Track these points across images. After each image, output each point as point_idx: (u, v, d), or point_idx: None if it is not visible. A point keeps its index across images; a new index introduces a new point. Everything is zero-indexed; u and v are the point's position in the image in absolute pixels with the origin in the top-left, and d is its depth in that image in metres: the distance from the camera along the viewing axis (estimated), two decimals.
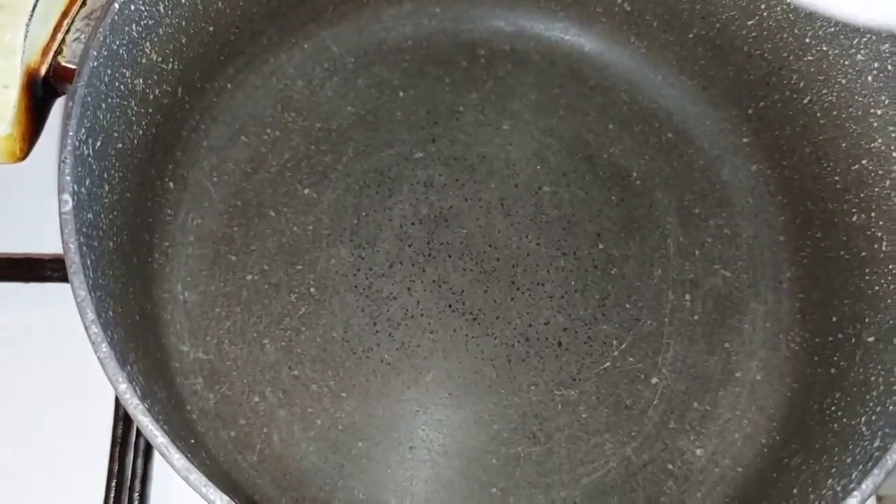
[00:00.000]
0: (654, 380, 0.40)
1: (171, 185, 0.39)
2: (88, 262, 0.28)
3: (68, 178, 0.27)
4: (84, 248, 0.27)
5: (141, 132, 0.34)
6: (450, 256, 0.42)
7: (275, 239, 0.41)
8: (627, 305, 0.41)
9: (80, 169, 0.28)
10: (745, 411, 0.39)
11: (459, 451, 0.38)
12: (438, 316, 0.40)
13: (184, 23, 0.35)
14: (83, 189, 0.29)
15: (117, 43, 0.31)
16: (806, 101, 0.39)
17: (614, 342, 0.40)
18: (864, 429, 0.30)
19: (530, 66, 0.47)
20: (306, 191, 0.43)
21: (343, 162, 0.43)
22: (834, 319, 0.37)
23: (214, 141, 0.42)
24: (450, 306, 0.41)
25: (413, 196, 0.43)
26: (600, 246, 0.42)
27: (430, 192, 0.43)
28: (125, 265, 0.33)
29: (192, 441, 0.32)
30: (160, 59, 0.34)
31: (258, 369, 0.39)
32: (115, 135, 0.32)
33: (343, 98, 0.45)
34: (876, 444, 0.28)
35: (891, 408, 0.29)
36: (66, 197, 0.27)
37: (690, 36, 0.43)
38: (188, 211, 0.41)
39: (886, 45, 0.33)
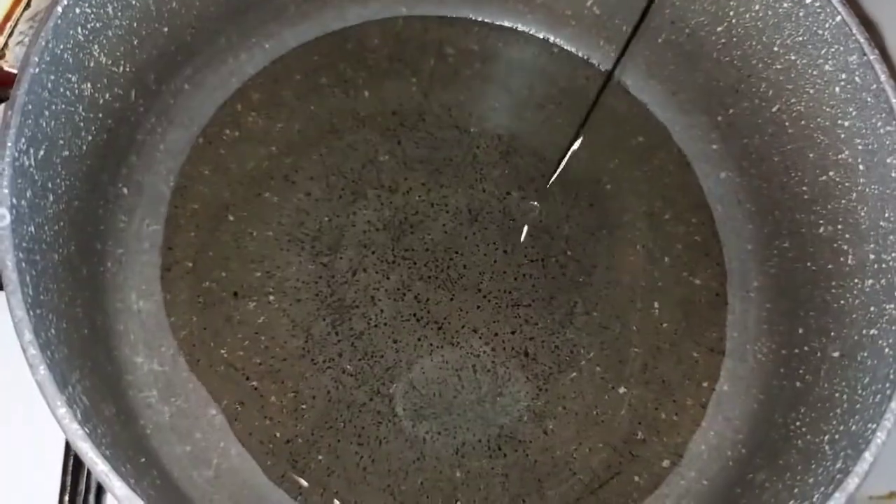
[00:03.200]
0: (621, 389, 0.39)
1: (125, 190, 0.38)
2: (28, 278, 0.26)
3: (6, 191, 0.26)
4: (23, 265, 0.26)
5: (90, 138, 0.33)
6: (415, 264, 0.41)
7: (233, 244, 0.40)
8: (595, 313, 0.41)
9: (20, 181, 0.27)
10: (712, 422, 0.39)
11: (422, 465, 0.37)
12: (402, 325, 0.39)
13: (135, 24, 0.34)
14: (23, 202, 0.27)
15: (61, 47, 0.29)
16: (774, 109, 0.38)
17: (581, 351, 0.40)
18: (826, 448, 0.29)
19: (499, 66, 0.46)
20: (267, 194, 0.41)
21: (305, 164, 0.42)
22: (800, 331, 0.36)
23: (171, 144, 0.41)
24: (414, 315, 0.40)
25: (377, 201, 0.42)
26: (569, 252, 0.42)
27: (394, 197, 0.42)
28: (73, 277, 0.32)
29: (143, 460, 0.31)
30: (110, 61, 0.33)
31: (215, 380, 0.37)
32: (61, 142, 0.30)
33: (306, 98, 0.43)
34: (838, 465, 0.28)
35: (853, 427, 0.29)
36: (3, 211, 0.25)
37: (660, 41, 0.42)
38: (143, 217, 0.39)
39: (854, 57, 0.33)
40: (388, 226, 0.41)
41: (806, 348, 0.35)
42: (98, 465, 0.23)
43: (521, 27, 0.46)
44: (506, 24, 0.46)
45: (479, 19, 0.46)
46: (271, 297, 0.39)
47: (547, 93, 0.45)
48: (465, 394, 0.39)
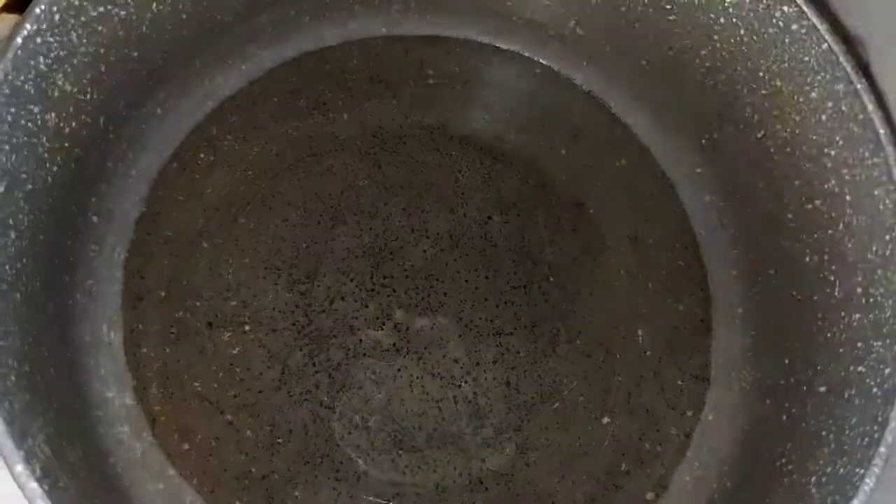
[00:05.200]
0: (605, 420, 0.39)
1: (96, 219, 0.37)
2: None
3: None
4: None
5: (56, 168, 0.32)
6: (394, 291, 0.40)
7: (207, 273, 0.39)
8: (578, 341, 0.40)
9: None
10: (696, 453, 0.38)
11: (402, 500, 0.36)
12: (381, 355, 0.39)
13: (102, 50, 0.33)
14: None
15: (22, 78, 0.28)
16: (759, 135, 0.38)
17: (565, 380, 0.39)
18: (813, 490, 0.29)
19: (480, 88, 0.45)
20: (242, 220, 0.40)
21: (282, 189, 0.41)
22: (786, 362, 0.36)
23: (143, 170, 0.40)
24: (394, 345, 0.39)
25: (356, 226, 0.41)
26: (551, 279, 0.41)
27: (374, 222, 0.41)
28: (37, 314, 0.31)
29: None
30: (76, 90, 0.32)
31: (189, 415, 0.36)
32: (24, 176, 0.29)
33: (283, 121, 0.42)
34: None
35: (841, 470, 0.28)
36: None
37: (643, 62, 0.42)
38: (114, 245, 0.38)
39: (841, 85, 0.32)
40: (367, 252, 0.40)
41: (792, 380, 0.35)
42: None
43: (503, 47, 0.45)
44: (487, 44, 0.45)
45: (461, 39, 0.45)
46: (247, 328, 0.38)
47: (529, 114, 0.44)
48: (445, 426, 0.38)
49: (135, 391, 0.37)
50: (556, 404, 0.39)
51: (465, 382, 0.39)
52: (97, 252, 0.37)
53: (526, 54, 0.45)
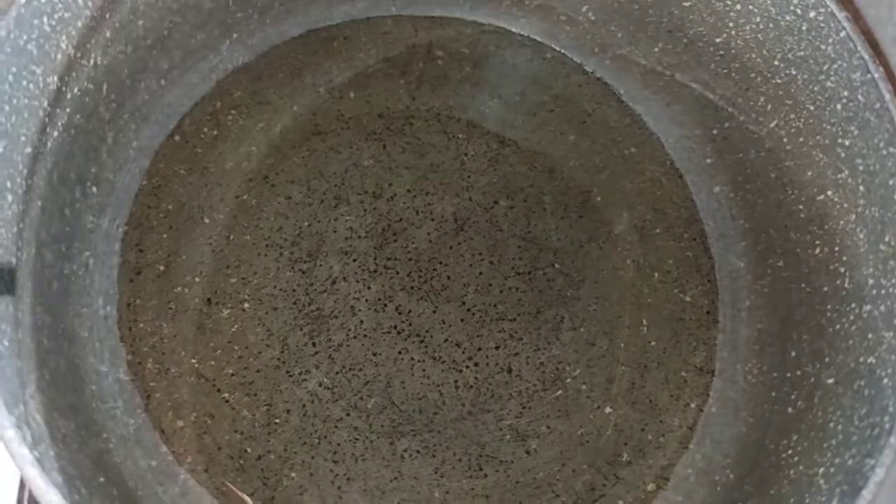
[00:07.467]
0: (607, 409, 0.38)
1: (95, 189, 0.36)
2: None
3: None
4: None
5: (56, 134, 0.31)
6: (397, 273, 0.39)
7: (208, 248, 0.38)
8: (582, 329, 0.39)
9: None
10: (700, 445, 0.38)
11: (400, 484, 0.36)
12: (382, 337, 0.38)
13: (108, 15, 0.32)
14: None
15: (25, 38, 0.27)
16: (772, 125, 0.37)
17: (567, 368, 0.39)
18: (821, 482, 0.28)
19: (490, 71, 0.44)
20: (245, 196, 0.40)
21: (286, 166, 0.40)
22: (793, 354, 0.35)
23: (145, 141, 0.39)
24: (395, 327, 0.38)
25: (360, 206, 0.40)
26: (556, 266, 0.40)
27: (378, 203, 0.40)
28: (33, 282, 0.30)
29: (102, 479, 0.29)
30: (79, 54, 0.31)
31: (184, 391, 0.36)
32: (23, 139, 0.29)
33: (289, 97, 0.42)
34: (833, 502, 0.27)
35: (850, 462, 0.27)
36: None
37: (656, 50, 0.41)
38: (113, 217, 0.37)
39: (857, 74, 0.31)
40: (370, 233, 0.40)
41: (798, 372, 0.34)
42: (47, 493, 0.22)
43: (514, 30, 0.44)
44: (498, 27, 0.44)
45: (471, 20, 0.44)
46: (246, 305, 0.38)
47: (539, 99, 0.44)
48: (446, 410, 0.37)
49: (129, 366, 0.36)
50: (559, 392, 0.38)
51: (467, 367, 0.38)
52: (95, 223, 0.37)
53: (537, 38, 0.44)
